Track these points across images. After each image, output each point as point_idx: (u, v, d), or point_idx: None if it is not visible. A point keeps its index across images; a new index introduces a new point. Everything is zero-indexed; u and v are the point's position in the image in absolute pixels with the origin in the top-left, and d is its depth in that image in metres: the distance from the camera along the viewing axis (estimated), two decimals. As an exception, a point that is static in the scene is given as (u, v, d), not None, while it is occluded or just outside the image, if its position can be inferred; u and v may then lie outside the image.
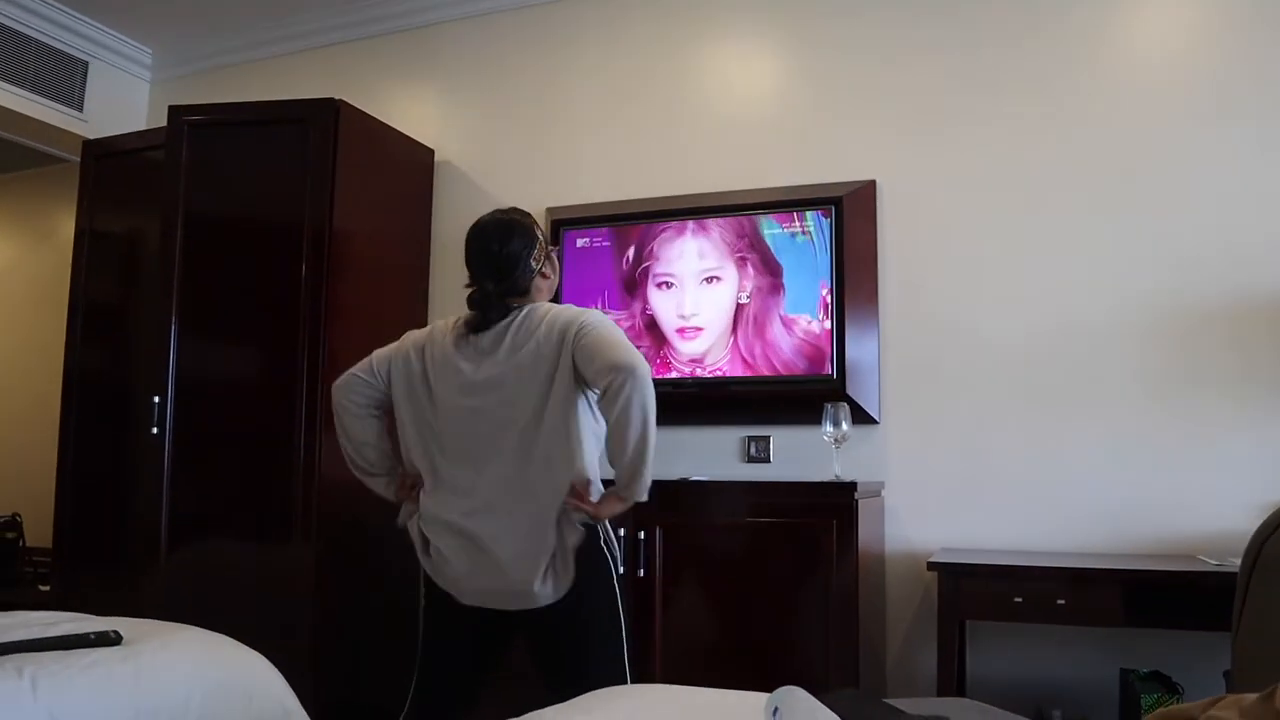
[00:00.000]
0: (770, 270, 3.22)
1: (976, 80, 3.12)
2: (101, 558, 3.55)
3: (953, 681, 2.56)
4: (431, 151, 3.84)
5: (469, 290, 2.13)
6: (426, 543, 2.10)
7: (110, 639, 1.77)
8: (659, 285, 3.37)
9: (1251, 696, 1.04)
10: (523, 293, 2.13)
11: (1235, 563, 2.15)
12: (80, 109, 4.14)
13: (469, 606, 2.08)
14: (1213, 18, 2.92)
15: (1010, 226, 3.05)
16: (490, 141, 3.79)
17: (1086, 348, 2.92)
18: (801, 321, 3.15)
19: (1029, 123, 3.05)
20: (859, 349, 3.09)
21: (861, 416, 3.01)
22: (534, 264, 2.14)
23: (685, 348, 3.30)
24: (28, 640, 1.70)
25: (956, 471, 3.01)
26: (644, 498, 2.02)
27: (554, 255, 2.26)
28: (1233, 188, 2.82)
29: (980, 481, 2.98)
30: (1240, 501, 2.64)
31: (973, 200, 3.09)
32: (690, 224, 3.32)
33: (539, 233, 2.19)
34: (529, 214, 2.22)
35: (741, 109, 3.42)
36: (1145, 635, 2.67)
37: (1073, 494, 2.88)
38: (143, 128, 4.18)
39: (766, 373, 3.17)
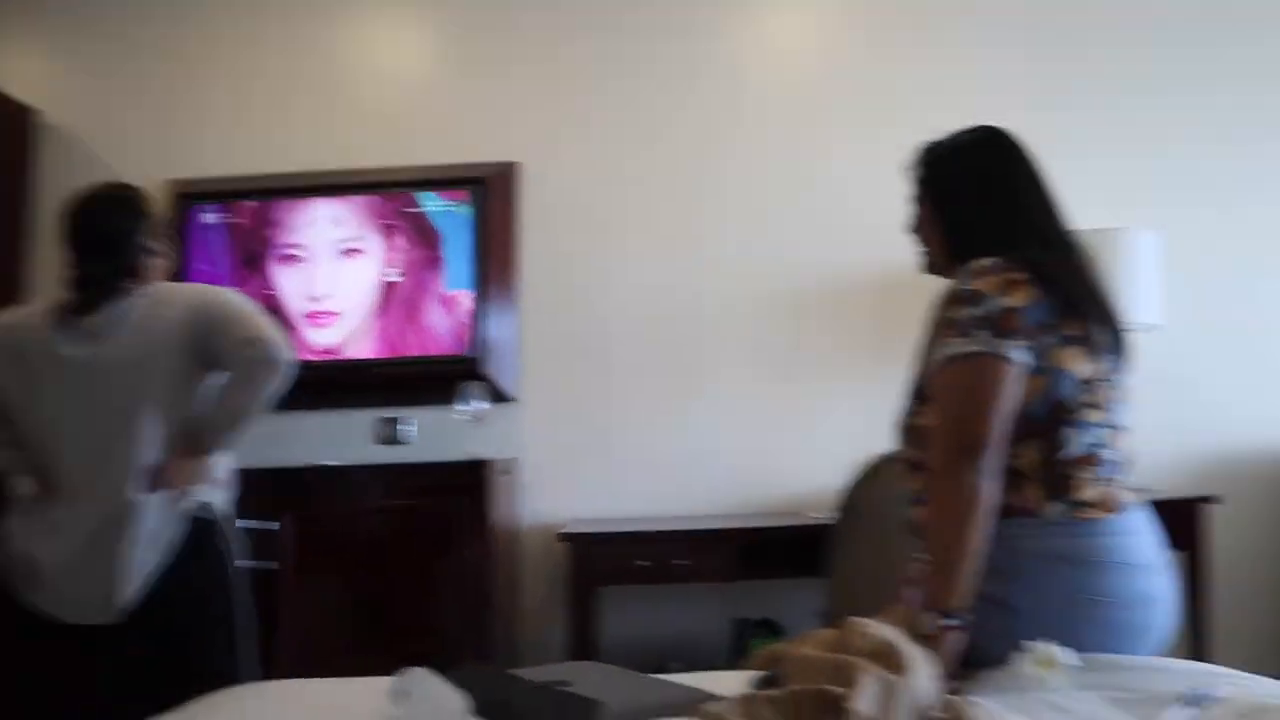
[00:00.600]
0: (426, 242, 3.05)
1: (620, 68, 3.25)
2: None
3: (584, 647, 2.65)
4: (34, 112, 3.39)
5: (70, 272, 1.93)
6: (22, 553, 1.87)
7: None
8: (284, 259, 3.08)
9: (828, 630, 1.22)
10: (132, 273, 1.95)
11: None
12: None
13: (66, 625, 1.86)
14: (836, 19, 3.28)
15: (640, 214, 3.22)
16: (108, 105, 3.40)
17: (704, 330, 3.17)
18: (464, 300, 3.01)
19: (663, 113, 3.22)
20: (499, 328, 3.09)
21: (501, 395, 3.03)
22: (143, 241, 1.98)
23: (317, 337, 3.03)
24: None
25: (588, 446, 3.14)
26: (217, 452, 1.95)
27: (166, 232, 2.11)
28: (839, 182, 3.15)
29: (610, 454, 3.13)
30: (843, 460, 2.93)
31: (609, 186, 3.22)
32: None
33: (149, 208, 2.04)
34: (138, 188, 2.07)
35: (388, 84, 3.34)
36: (760, 586, 2.93)
37: (694, 463, 3.10)
38: None
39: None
